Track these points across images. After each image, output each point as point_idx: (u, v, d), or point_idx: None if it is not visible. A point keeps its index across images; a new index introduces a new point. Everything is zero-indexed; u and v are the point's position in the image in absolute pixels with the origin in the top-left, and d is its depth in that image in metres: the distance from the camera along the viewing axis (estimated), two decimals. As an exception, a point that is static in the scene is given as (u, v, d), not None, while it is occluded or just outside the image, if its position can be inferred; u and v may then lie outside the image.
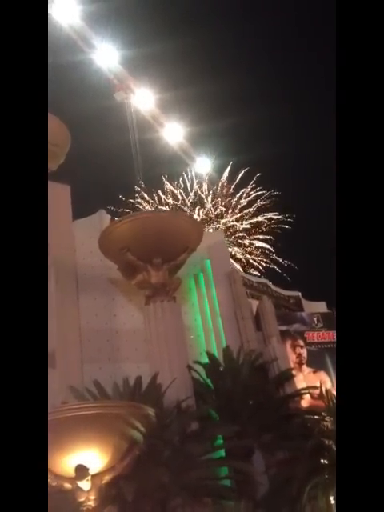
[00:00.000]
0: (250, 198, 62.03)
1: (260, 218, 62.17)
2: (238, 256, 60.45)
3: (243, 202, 61.98)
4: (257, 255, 61.98)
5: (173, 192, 61.45)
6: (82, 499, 13.11)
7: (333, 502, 17.47)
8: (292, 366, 24.42)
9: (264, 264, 61.07)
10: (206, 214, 61.77)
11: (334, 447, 18.25)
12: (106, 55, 28.28)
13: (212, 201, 61.54)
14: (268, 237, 61.66)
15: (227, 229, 60.80)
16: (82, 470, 13.05)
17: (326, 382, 24.77)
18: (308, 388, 22.33)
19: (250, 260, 61.27)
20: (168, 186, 60.63)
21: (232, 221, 61.91)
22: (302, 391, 22.00)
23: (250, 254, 61.73)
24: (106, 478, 13.62)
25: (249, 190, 61.99)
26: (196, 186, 61.23)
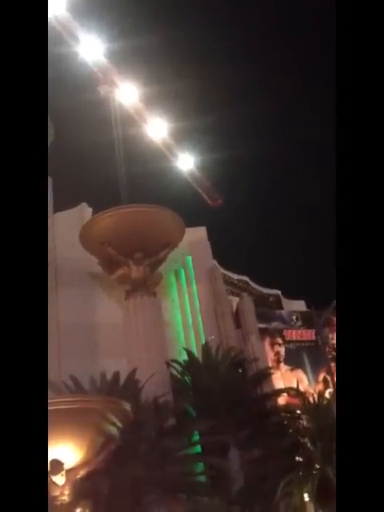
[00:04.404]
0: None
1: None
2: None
3: None
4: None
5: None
6: (56, 494, 13.04)
7: (306, 499, 17.62)
8: (270, 363, 24.56)
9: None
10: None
11: (308, 445, 18.43)
12: (91, 48, 27.89)
13: None
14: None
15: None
16: (56, 465, 12.98)
17: (303, 380, 24.97)
18: (286, 389, 22.46)
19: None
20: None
21: None
22: (280, 391, 22.14)
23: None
24: (81, 473, 13.56)
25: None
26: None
